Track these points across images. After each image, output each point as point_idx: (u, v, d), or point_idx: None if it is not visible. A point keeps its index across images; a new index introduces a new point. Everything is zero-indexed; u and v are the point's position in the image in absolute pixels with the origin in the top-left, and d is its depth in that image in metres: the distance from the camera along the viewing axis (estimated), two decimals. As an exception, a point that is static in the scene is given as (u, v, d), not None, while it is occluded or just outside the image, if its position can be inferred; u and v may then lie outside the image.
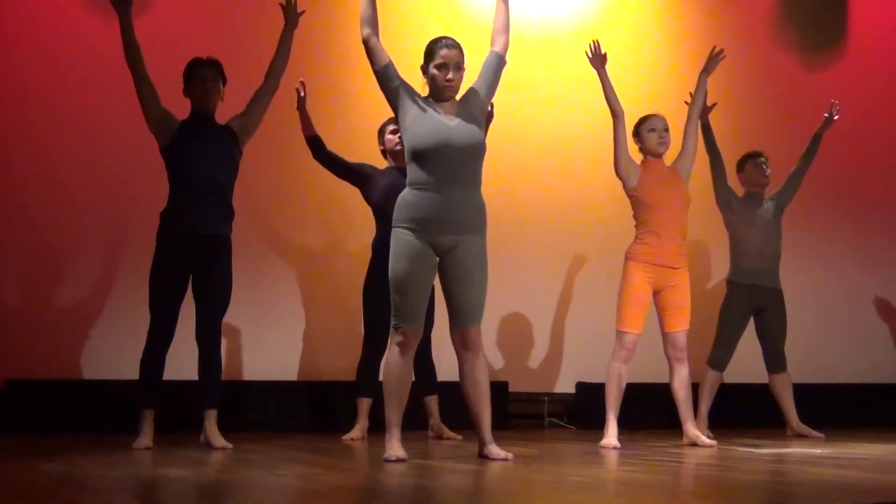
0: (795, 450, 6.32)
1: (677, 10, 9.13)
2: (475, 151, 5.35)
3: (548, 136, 8.72)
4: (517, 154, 8.55)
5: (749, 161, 7.74)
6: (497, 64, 5.55)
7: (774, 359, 7.68)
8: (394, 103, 5.44)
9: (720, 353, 7.59)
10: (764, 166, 7.68)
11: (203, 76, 6.26)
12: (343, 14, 8.05)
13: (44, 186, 7.68)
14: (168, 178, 6.27)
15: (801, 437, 7.54)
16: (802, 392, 7.84)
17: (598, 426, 8.08)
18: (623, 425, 6.67)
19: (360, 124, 7.85)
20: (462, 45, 5.47)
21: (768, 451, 6.23)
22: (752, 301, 7.65)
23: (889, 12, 9.46)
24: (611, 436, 6.57)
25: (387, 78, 5.42)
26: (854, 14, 9.39)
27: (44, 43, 7.76)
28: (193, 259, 6.19)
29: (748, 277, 7.60)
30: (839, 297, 9.13)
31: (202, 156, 6.19)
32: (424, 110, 5.37)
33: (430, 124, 5.33)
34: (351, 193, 7.21)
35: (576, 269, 8.64)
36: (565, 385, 8.50)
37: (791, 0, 9.19)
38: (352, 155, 7.17)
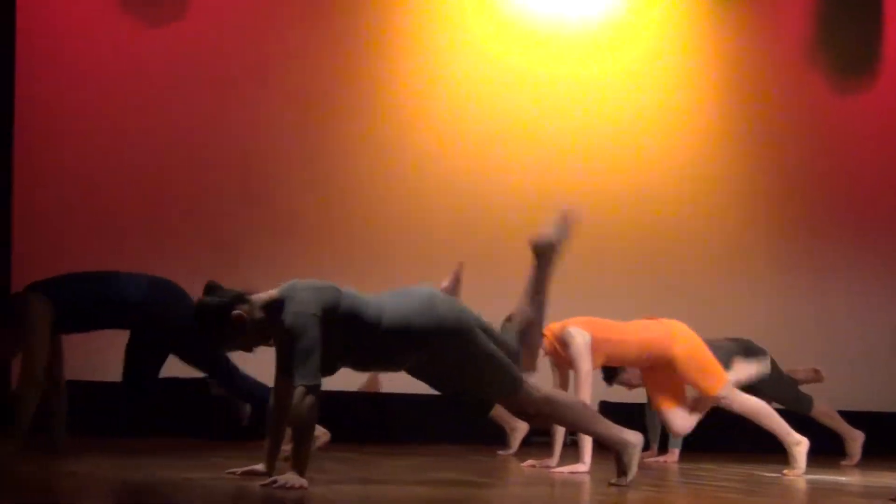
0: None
1: (701, 24, 8.99)
2: None
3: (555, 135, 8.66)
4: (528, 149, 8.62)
5: None
6: None
7: (797, 406, 7.50)
8: None
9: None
10: None
11: None
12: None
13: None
14: None
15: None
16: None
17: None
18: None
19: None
20: None
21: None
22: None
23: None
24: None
25: None
26: (889, 37, 9.17)
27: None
28: None
29: None
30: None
31: None
32: None
33: None
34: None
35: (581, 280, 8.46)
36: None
37: (825, 22, 9.02)
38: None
